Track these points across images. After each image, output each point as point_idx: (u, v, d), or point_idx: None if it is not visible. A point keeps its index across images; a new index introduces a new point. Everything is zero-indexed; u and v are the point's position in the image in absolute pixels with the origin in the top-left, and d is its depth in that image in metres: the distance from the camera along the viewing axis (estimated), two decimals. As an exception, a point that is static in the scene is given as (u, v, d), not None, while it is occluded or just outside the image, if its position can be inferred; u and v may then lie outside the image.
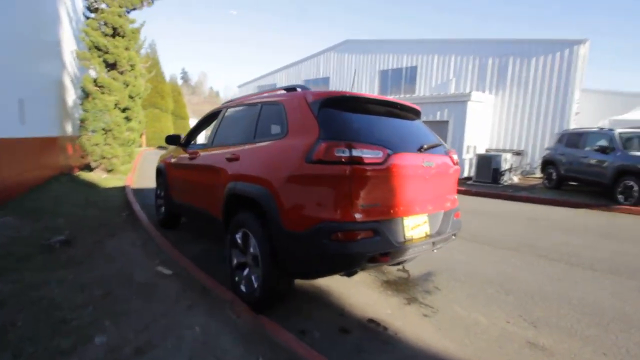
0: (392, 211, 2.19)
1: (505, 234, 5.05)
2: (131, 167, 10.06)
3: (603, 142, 7.94)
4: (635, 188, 6.90)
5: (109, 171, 8.87)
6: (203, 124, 4.06)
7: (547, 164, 9.79)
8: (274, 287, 2.31)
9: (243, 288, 2.55)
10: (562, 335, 2.33)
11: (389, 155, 2.14)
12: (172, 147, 4.89)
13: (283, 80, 26.07)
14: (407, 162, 2.25)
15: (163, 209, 4.65)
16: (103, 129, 8.41)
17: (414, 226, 2.30)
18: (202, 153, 3.44)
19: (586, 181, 8.48)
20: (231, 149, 2.88)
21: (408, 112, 2.76)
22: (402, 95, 19.71)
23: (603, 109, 16.36)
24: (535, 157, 13.81)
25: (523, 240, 4.64)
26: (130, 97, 8.98)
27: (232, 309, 2.32)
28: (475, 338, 2.27)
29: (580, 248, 4.34)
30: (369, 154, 2.06)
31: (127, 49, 8.72)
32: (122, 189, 7.28)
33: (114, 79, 8.57)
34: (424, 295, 2.89)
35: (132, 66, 8.92)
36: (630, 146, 7.51)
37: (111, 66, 8.61)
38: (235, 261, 2.68)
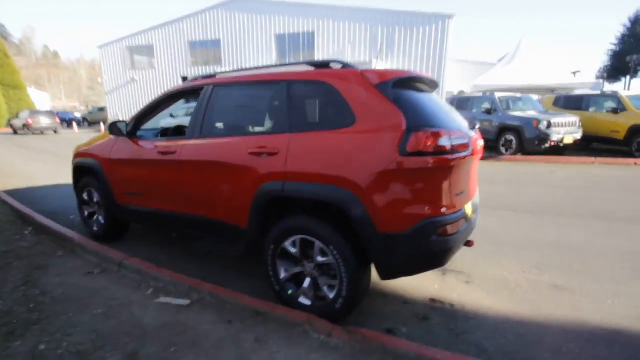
0: (469, 196, 2.18)
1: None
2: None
3: (487, 105, 9.67)
4: (514, 141, 8.78)
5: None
6: (159, 106, 3.13)
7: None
8: (360, 294, 2.06)
9: (305, 301, 2.20)
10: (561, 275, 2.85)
11: (470, 139, 2.08)
12: (95, 135, 3.72)
13: (161, 41, 22.34)
14: (476, 144, 2.25)
15: (101, 217, 3.54)
16: None
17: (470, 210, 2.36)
18: (184, 146, 2.67)
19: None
20: (255, 141, 2.30)
21: (434, 87, 2.69)
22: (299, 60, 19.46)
23: (462, 75, 19.58)
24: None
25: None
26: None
27: (316, 329, 1.98)
28: (514, 292, 2.58)
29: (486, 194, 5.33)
30: (460, 141, 1.95)
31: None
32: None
33: None
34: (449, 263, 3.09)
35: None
36: (507, 107, 9.38)
37: None
38: (284, 273, 2.27)
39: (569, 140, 8.40)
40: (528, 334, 2.13)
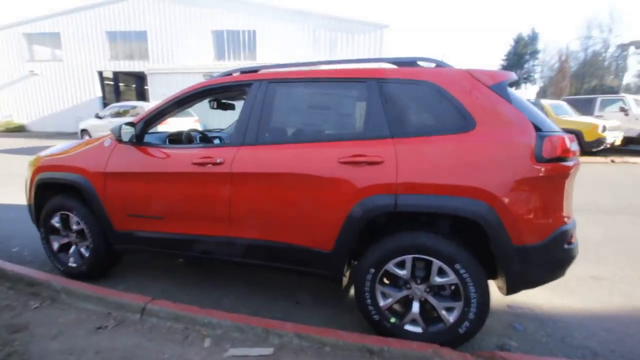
0: None
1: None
2: None
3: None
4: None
5: None
6: (181, 104, 2.51)
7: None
8: (487, 314, 1.88)
9: (413, 329, 1.94)
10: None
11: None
12: (66, 143, 2.91)
13: (70, 29, 19.11)
14: None
15: (83, 249, 2.72)
16: None
17: None
18: (236, 155, 2.15)
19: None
20: (345, 148, 1.95)
21: None
22: (243, 62, 18.61)
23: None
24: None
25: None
26: None
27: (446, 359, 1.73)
28: (577, 289, 2.69)
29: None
30: (575, 145, 1.92)
31: None
32: None
33: None
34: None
35: None
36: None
37: None
38: (385, 300, 1.97)
39: (618, 141, 9.42)
40: (614, 328, 2.21)
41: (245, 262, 2.32)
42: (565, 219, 1.83)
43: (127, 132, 2.36)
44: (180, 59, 18.34)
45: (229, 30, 18.36)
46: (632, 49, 24.65)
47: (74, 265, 2.76)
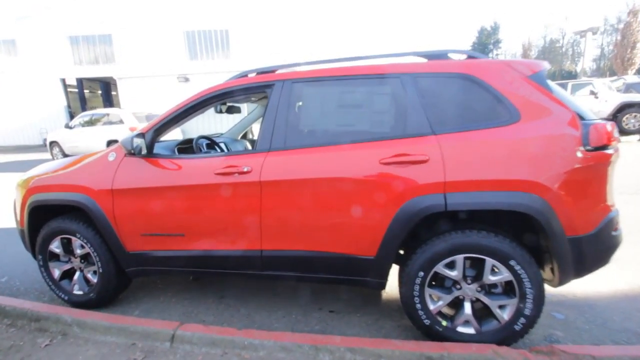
0: None
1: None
2: None
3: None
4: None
5: None
6: (193, 111, 2.31)
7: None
8: (542, 307, 1.84)
9: (467, 330, 1.88)
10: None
11: None
12: (54, 163, 2.69)
13: (27, 35, 17.80)
14: None
15: (91, 275, 2.48)
16: None
17: None
18: (264, 162, 2.00)
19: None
20: (385, 148, 1.85)
21: None
22: (217, 61, 18.06)
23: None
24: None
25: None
26: None
27: (507, 359, 1.68)
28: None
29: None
30: (617, 131, 1.92)
31: None
32: None
33: None
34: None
35: None
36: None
37: None
38: (434, 303, 1.90)
39: None
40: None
41: (278, 275, 2.19)
42: (611, 207, 1.83)
43: (139, 144, 2.15)
44: (150, 62, 17.55)
45: (200, 31, 17.74)
46: (589, 34, 26.03)
47: (80, 293, 2.51)
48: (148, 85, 14.90)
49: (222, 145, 3.18)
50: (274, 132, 2.04)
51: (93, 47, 18.01)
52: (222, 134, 3.59)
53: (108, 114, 10.63)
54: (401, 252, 2.10)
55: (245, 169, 2.02)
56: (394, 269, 2.09)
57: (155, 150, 2.38)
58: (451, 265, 1.85)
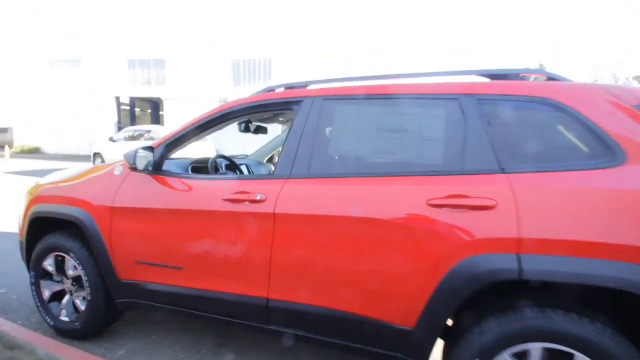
0: None
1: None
2: None
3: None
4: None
5: None
6: (201, 128, 2.02)
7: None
8: None
9: None
10: None
11: None
12: (68, 172, 2.48)
13: (91, 52, 19.52)
14: None
15: (79, 301, 2.19)
16: None
17: None
18: (281, 190, 1.65)
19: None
20: (435, 185, 1.44)
21: None
22: (255, 86, 18.65)
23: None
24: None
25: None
26: None
27: None
28: None
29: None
30: None
31: None
32: None
33: None
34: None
35: None
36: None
37: None
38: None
39: None
40: None
41: (284, 331, 1.75)
42: None
43: (144, 158, 1.89)
44: (197, 86, 18.54)
45: (245, 60, 18.60)
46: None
47: (66, 319, 2.21)
48: (192, 107, 15.61)
49: (244, 167, 2.90)
50: (297, 155, 1.70)
51: (147, 69, 19.43)
52: (246, 156, 3.33)
53: (150, 130, 11.08)
54: (450, 322, 1.60)
55: (259, 197, 1.67)
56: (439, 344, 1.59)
57: (166, 167, 2.12)
58: (522, 357, 1.33)
